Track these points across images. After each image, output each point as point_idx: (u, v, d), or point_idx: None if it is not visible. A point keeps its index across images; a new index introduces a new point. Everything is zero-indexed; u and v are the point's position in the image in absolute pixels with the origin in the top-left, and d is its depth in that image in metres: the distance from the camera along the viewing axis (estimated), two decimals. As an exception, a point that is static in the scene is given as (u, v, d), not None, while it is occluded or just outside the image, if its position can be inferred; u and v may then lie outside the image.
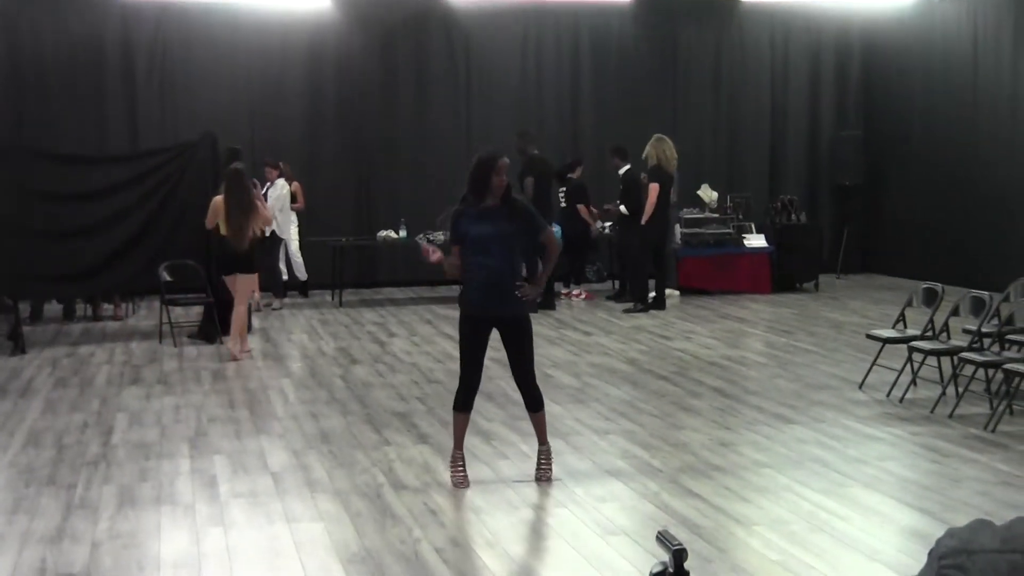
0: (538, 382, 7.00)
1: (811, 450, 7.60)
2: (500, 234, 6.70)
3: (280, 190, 14.65)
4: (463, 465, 6.89)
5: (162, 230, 12.30)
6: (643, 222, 13.95)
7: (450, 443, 7.66)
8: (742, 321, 13.41)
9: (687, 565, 1.86)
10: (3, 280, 11.71)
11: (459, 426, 6.96)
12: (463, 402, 6.91)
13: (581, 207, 15.18)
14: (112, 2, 15.50)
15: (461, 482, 6.82)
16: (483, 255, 6.69)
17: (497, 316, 6.76)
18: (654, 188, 13.83)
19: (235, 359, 10.90)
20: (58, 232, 11.97)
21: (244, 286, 11.13)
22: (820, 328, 12.77)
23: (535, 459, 7.05)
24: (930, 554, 1.58)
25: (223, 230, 11.05)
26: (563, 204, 15.22)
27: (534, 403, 6.93)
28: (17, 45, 15.33)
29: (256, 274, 11.61)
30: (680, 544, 1.83)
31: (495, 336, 6.86)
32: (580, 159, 15.69)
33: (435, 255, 6.89)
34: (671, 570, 1.83)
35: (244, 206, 10.93)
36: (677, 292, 15.14)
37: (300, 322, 13.52)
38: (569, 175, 15.32)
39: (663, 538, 1.86)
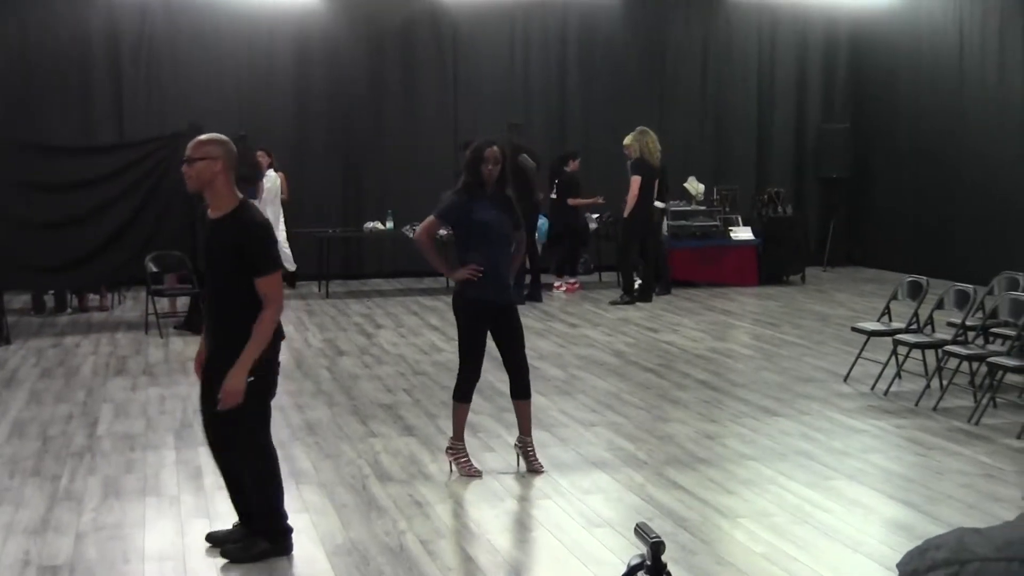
0: (524, 374, 7.04)
1: (796, 442, 7.63)
2: (500, 224, 6.77)
3: (273, 181, 14.62)
4: (467, 455, 6.92)
5: (148, 220, 12.26)
6: (625, 215, 13.97)
7: (436, 435, 7.70)
8: (728, 314, 13.43)
9: (669, 557, 1.87)
10: (-11, 270, 11.68)
11: (462, 417, 6.95)
12: (467, 392, 6.91)
13: (576, 200, 15.14)
14: (98, -8, 15.46)
15: (474, 471, 6.84)
16: (486, 244, 6.74)
17: (498, 304, 6.79)
18: (636, 181, 13.82)
19: None
20: (44, 223, 11.91)
21: None
22: (806, 321, 12.81)
23: (523, 453, 7.03)
24: (902, 570, 1.43)
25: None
26: (554, 196, 15.19)
27: (526, 389, 6.95)
28: (2, 37, 15.26)
29: None
30: (658, 536, 1.84)
31: None
32: (575, 152, 15.65)
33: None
34: (649, 562, 1.84)
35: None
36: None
37: (287, 313, 13.40)
38: (564, 168, 15.27)
39: (641, 530, 1.87)
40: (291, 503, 6.35)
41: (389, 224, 15.20)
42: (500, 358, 6.96)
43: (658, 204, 14.78)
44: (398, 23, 16.62)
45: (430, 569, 5.36)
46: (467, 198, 6.77)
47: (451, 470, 6.91)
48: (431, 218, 6.96)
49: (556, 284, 15.33)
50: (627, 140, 14.04)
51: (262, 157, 14.61)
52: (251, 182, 14.09)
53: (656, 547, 1.84)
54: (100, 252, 12.19)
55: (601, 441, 7.66)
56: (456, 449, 6.93)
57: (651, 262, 14.45)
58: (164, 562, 5.51)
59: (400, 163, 16.39)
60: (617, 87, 17.27)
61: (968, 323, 8.97)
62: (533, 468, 6.93)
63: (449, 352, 10.82)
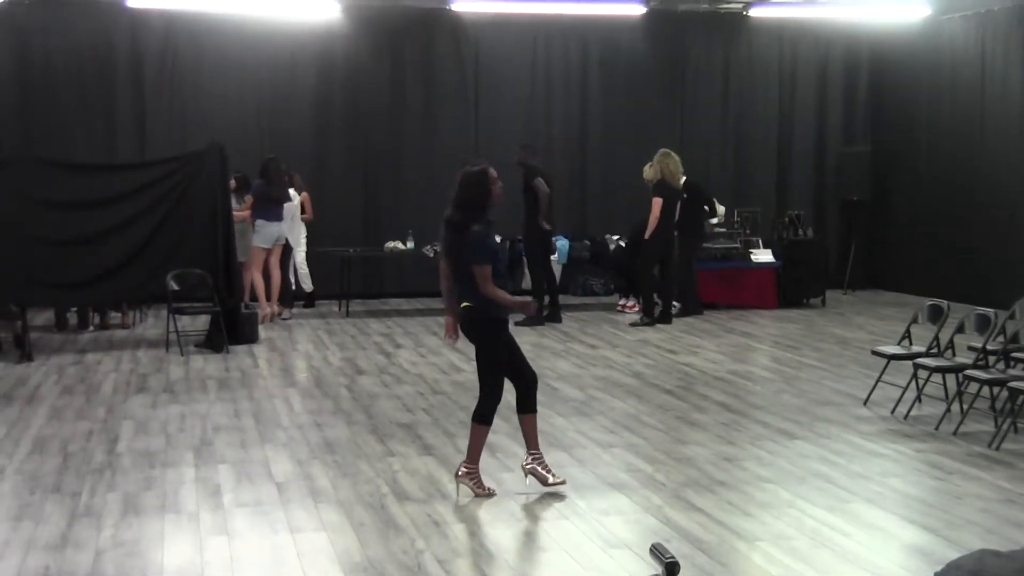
0: (543, 395, 7.07)
1: (815, 466, 7.60)
2: (499, 245, 6.92)
3: (294, 199, 14.67)
4: (479, 475, 6.93)
5: (169, 239, 12.32)
6: (646, 236, 13.94)
7: (454, 454, 7.70)
8: (748, 336, 13.40)
9: (683, 578, 1.87)
10: (10, 287, 11.74)
11: (482, 440, 6.95)
12: (490, 414, 6.91)
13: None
14: (121, 11, 15.56)
15: (490, 492, 6.86)
16: (496, 264, 6.91)
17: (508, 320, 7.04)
18: (657, 203, 13.82)
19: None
20: (65, 240, 11.98)
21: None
22: (826, 344, 12.77)
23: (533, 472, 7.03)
24: None
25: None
26: None
27: (534, 401, 6.96)
28: (26, 54, 15.41)
29: None
30: (672, 557, 1.84)
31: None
32: None
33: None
34: (664, 583, 1.85)
35: None
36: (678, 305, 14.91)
37: (306, 332, 13.55)
38: None
39: (656, 551, 1.88)
40: (309, 521, 6.38)
41: (409, 244, 15.23)
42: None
43: (712, 221, 15.32)
44: (419, 44, 16.69)
45: (447, 589, 5.36)
46: (486, 230, 6.86)
47: (464, 490, 6.89)
48: (485, 268, 6.72)
49: (629, 304, 15.31)
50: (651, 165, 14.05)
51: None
52: (282, 203, 14.16)
53: (671, 567, 1.84)
54: (121, 270, 12.24)
55: (619, 462, 7.66)
56: (473, 472, 6.92)
57: (680, 284, 14.45)
58: (182, 579, 5.53)
59: (420, 183, 16.40)
60: (638, 108, 17.27)
61: (989, 347, 8.92)
62: (554, 481, 6.95)
63: (468, 372, 10.82)
